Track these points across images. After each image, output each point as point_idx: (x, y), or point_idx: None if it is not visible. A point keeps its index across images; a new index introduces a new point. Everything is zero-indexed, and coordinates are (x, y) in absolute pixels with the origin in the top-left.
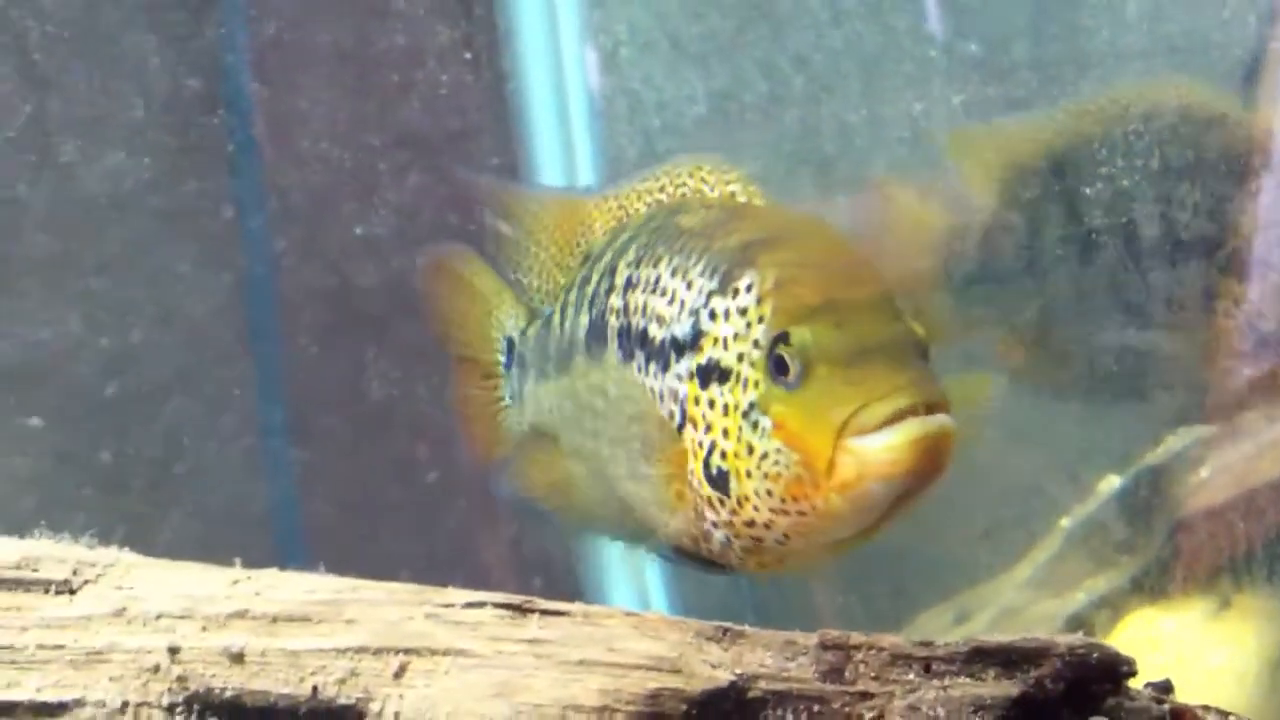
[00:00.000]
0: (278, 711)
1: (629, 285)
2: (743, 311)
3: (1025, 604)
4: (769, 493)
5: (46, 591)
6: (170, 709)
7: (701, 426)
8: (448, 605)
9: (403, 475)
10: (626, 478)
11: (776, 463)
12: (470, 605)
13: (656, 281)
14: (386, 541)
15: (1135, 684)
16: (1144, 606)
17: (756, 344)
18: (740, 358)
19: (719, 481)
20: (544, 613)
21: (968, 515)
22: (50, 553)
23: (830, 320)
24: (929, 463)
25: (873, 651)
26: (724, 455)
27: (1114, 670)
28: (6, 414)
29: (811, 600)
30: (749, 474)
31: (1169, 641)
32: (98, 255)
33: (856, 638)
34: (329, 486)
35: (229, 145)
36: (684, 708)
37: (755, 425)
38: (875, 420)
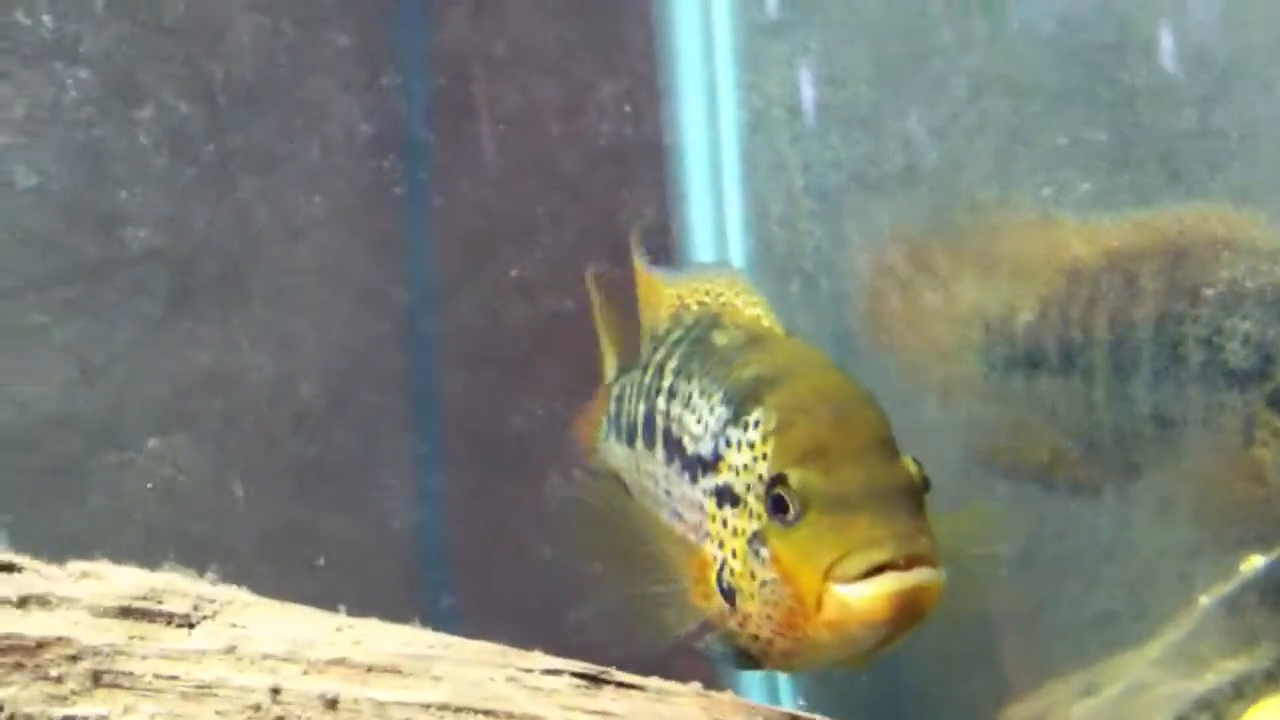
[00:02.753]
0: None
1: (672, 393)
2: (750, 445)
3: (1154, 681)
4: (768, 616)
5: (168, 623)
6: None
7: (717, 541)
8: (527, 670)
9: (545, 510)
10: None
11: (774, 592)
12: (548, 672)
13: (690, 398)
14: (526, 573)
15: None
16: (1277, 693)
17: (760, 479)
18: (748, 488)
19: (728, 595)
20: (618, 685)
21: (1109, 586)
22: (175, 586)
23: (823, 467)
24: (905, 613)
25: None
26: (732, 573)
27: None
28: (174, 432)
29: (933, 664)
30: (751, 596)
31: None
32: (268, 286)
33: None
34: (474, 516)
35: (398, 188)
36: None
37: (757, 554)
38: (855, 570)
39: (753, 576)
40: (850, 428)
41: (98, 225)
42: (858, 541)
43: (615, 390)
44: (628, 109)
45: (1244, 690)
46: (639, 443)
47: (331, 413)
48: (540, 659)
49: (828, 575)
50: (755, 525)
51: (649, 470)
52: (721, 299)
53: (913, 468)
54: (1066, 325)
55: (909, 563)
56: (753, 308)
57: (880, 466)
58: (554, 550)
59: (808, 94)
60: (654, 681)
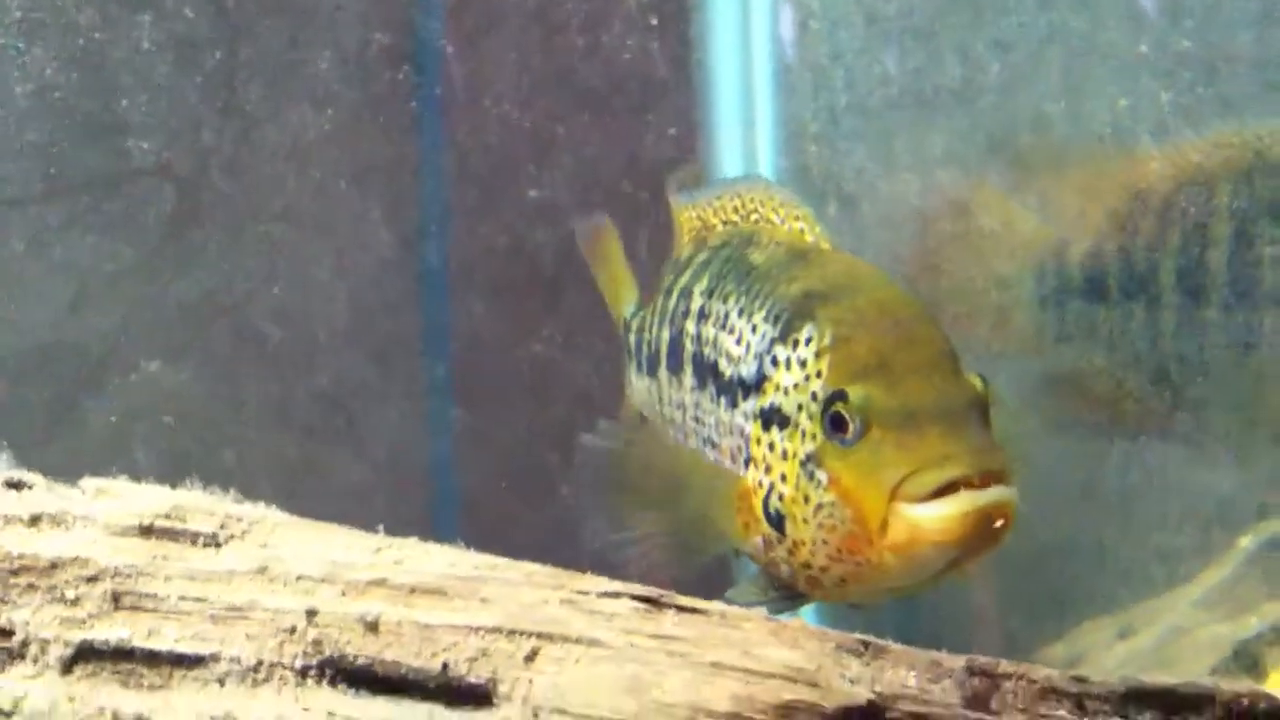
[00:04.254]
0: (408, 684)
1: (702, 315)
2: (802, 363)
3: (1194, 625)
4: (824, 541)
5: (193, 543)
6: (303, 671)
7: (762, 467)
8: (584, 593)
9: (561, 439)
10: (698, 502)
11: (831, 515)
12: (606, 595)
13: (726, 318)
14: (540, 505)
15: None
16: None
17: (814, 397)
18: (799, 408)
19: (776, 522)
20: (680, 609)
21: (1146, 527)
22: (200, 504)
23: (885, 381)
24: (982, 533)
25: (1023, 682)
26: (781, 498)
27: None
28: (178, 354)
29: (969, 604)
30: (805, 520)
31: None
32: (276, 203)
33: (1006, 666)
34: (488, 446)
35: (412, 101)
36: None
37: (812, 476)
38: (927, 487)
39: (806, 500)
40: (911, 342)
41: (99, 136)
42: (928, 457)
43: (635, 324)
44: (654, 21)
45: None
46: (662, 371)
47: (340, 338)
48: (596, 581)
49: (895, 494)
50: (809, 447)
51: (675, 399)
52: (754, 215)
53: (978, 383)
54: (1133, 250)
55: (983, 480)
56: (794, 220)
57: (945, 381)
58: (585, 499)
59: (853, 4)
60: (717, 605)
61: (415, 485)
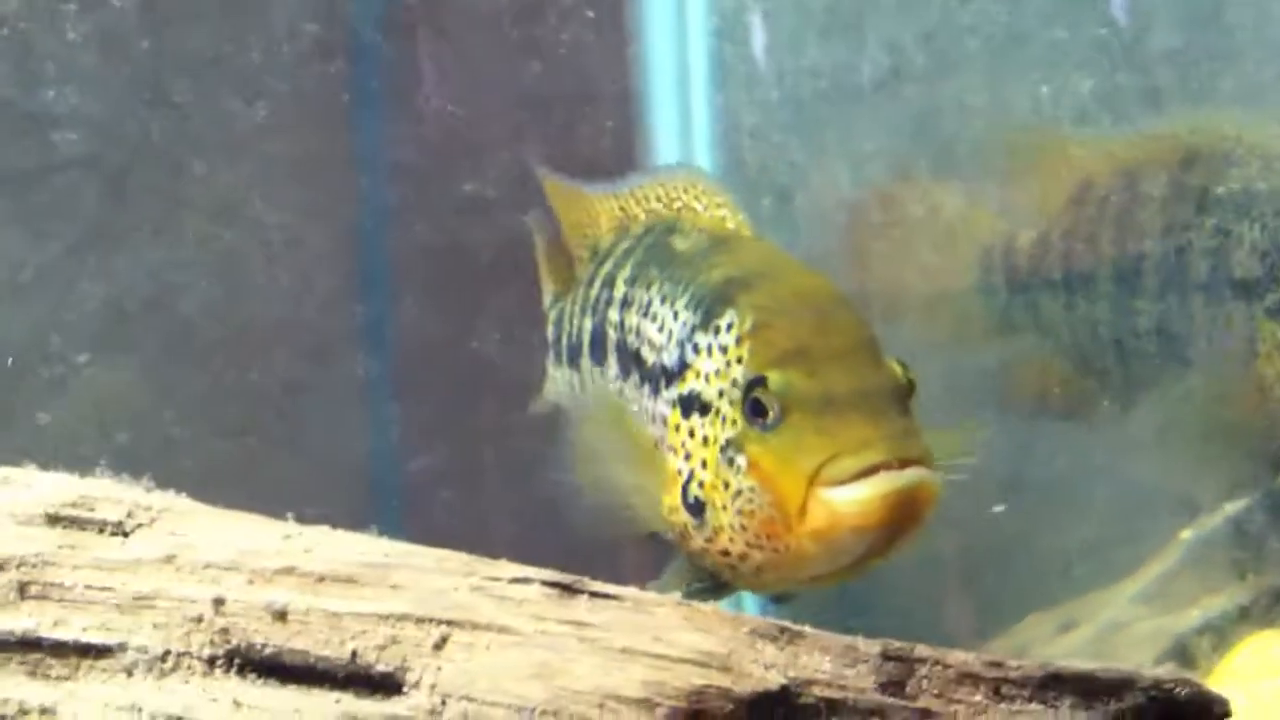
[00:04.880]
0: (316, 673)
1: (625, 303)
2: (723, 349)
3: (1133, 619)
4: (742, 528)
5: (101, 532)
6: (210, 661)
7: (682, 454)
8: (495, 579)
9: (500, 436)
10: (621, 488)
11: (750, 501)
12: (517, 580)
13: (648, 306)
14: (480, 502)
15: None
16: (1260, 631)
17: (735, 383)
18: (720, 394)
19: (695, 509)
20: (593, 595)
21: (1087, 520)
22: (108, 493)
23: (805, 367)
24: (901, 516)
25: (938, 667)
26: (701, 485)
27: (1205, 710)
28: (108, 351)
29: (911, 596)
30: (724, 507)
31: None
32: (207, 198)
33: (922, 650)
34: (427, 443)
35: (345, 95)
36: (730, 708)
37: (731, 462)
38: (846, 472)
39: (726, 486)
40: (831, 328)
41: (24, 128)
42: (848, 442)
43: (553, 315)
44: (590, 15)
45: (1223, 628)
46: (585, 361)
47: (274, 335)
48: (508, 567)
49: (814, 479)
50: (729, 432)
51: (596, 393)
52: (677, 203)
53: (898, 370)
54: (1067, 240)
55: (902, 465)
56: (717, 209)
57: (865, 367)
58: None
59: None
60: (631, 591)
61: (354, 482)
